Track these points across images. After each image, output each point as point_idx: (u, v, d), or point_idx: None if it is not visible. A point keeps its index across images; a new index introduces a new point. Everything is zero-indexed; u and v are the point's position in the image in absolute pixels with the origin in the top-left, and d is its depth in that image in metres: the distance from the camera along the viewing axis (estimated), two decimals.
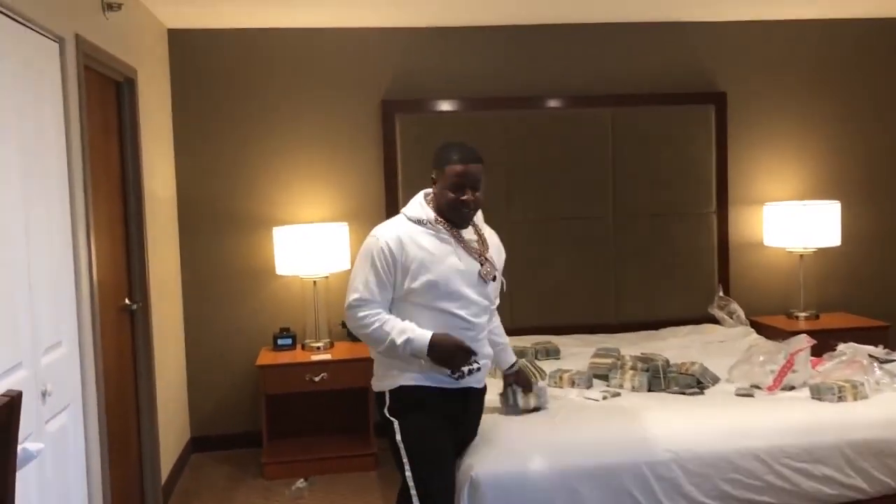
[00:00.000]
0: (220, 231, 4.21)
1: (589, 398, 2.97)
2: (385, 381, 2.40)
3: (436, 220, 2.36)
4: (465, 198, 2.31)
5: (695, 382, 3.05)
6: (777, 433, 2.60)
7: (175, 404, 3.95)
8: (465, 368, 2.30)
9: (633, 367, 3.15)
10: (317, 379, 3.86)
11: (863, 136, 4.60)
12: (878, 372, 2.93)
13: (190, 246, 4.19)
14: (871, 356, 3.02)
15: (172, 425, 3.83)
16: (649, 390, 3.06)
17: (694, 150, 4.45)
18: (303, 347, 4.08)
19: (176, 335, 4.07)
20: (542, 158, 4.33)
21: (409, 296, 2.32)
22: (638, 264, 4.43)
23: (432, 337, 2.26)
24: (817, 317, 4.32)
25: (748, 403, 2.87)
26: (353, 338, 4.18)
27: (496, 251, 2.50)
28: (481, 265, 2.37)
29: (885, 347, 3.18)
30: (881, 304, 4.59)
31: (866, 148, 4.61)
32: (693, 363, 3.17)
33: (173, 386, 3.92)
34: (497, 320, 2.64)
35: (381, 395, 2.41)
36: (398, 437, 2.34)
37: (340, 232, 4.03)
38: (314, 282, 4.05)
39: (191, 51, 4.14)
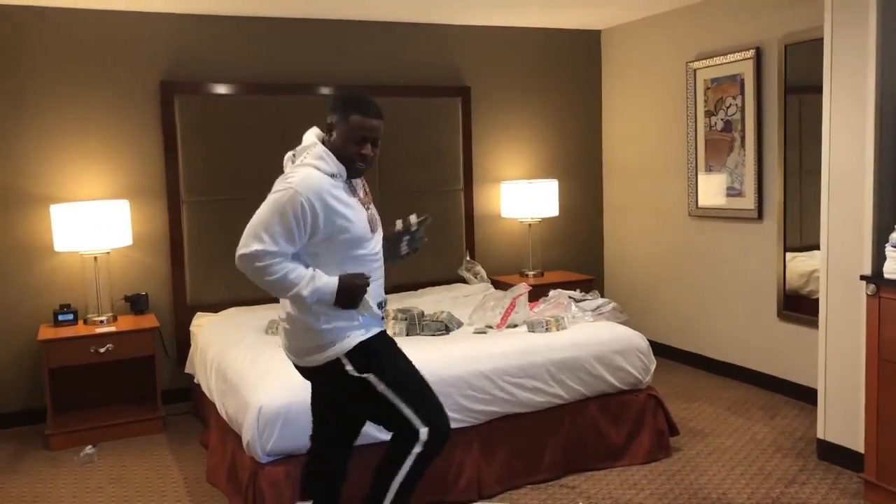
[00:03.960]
0: None
1: None
2: (332, 348, 2.31)
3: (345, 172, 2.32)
4: (364, 152, 2.31)
5: (443, 327, 3.73)
6: (500, 357, 3.32)
7: None
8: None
9: (395, 318, 3.78)
10: (102, 350, 3.98)
11: (571, 127, 5.62)
12: (574, 309, 3.83)
13: None
14: (570, 297, 3.94)
15: None
16: (407, 335, 3.68)
17: (445, 136, 5.18)
18: (85, 322, 4.18)
19: None
20: None
21: (324, 247, 2.30)
22: None
23: (339, 283, 2.26)
24: (542, 274, 5.29)
25: (482, 338, 3.59)
26: (136, 310, 4.38)
27: None
28: (367, 210, 2.40)
29: (580, 291, 4.11)
30: (589, 261, 5.73)
31: (574, 136, 5.64)
32: (442, 312, 3.87)
33: None
34: None
35: (332, 363, 2.31)
36: (380, 388, 2.30)
37: (121, 209, 4.19)
38: (95, 258, 4.19)
39: None
